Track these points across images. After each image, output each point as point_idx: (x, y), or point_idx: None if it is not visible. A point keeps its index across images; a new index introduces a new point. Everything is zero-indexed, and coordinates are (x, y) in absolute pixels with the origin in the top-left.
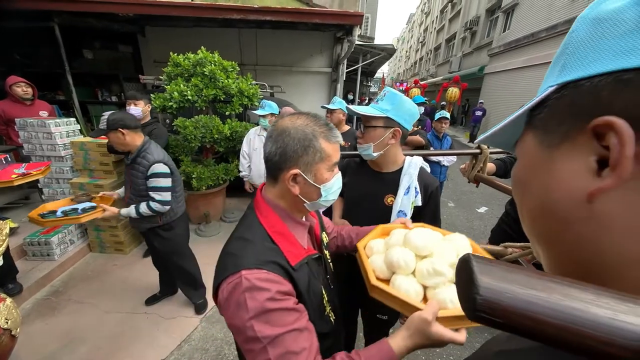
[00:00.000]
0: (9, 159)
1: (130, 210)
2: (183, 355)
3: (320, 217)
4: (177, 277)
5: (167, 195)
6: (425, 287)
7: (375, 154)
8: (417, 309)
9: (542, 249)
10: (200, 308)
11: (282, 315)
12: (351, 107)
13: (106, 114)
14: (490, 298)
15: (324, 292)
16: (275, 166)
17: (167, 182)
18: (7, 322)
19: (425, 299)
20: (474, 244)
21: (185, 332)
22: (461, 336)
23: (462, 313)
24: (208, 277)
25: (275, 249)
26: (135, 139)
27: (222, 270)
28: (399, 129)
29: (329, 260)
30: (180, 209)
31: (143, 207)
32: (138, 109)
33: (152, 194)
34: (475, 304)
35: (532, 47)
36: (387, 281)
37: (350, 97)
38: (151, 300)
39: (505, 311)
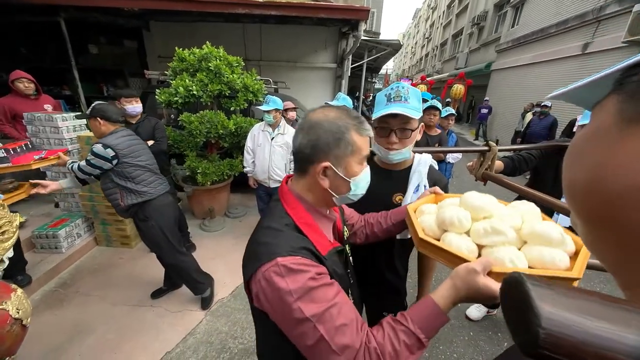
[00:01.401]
0: (30, 146)
1: (69, 161)
2: (188, 348)
3: (342, 211)
4: (171, 272)
5: (86, 168)
6: (480, 248)
7: (410, 155)
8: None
9: (582, 223)
10: (206, 302)
11: (325, 291)
12: (398, 110)
13: (95, 103)
14: (556, 332)
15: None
16: (305, 158)
17: (96, 161)
18: (18, 312)
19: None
20: (545, 216)
21: (191, 325)
22: None
23: (526, 271)
24: (213, 272)
25: (304, 239)
26: (109, 129)
27: (255, 260)
28: (423, 123)
29: (349, 254)
30: (145, 197)
31: (74, 164)
32: (139, 106)
33: (83, 160)
34: (537, 339)
35: (542, 43)
36: (437, 240)
37: (357, 93)
38: (157, 294)
39: (574, 349)
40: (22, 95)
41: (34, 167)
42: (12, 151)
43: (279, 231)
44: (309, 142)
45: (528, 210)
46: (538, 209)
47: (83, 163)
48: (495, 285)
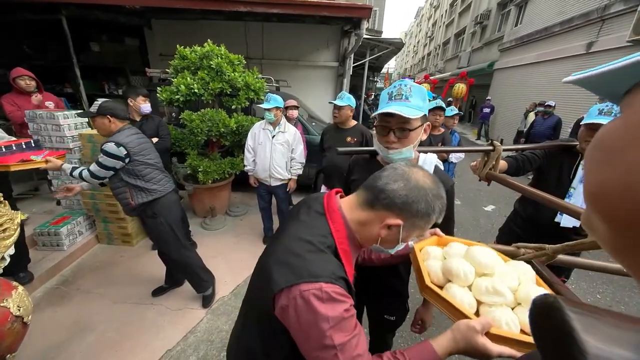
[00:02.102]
0: (32, 145)
1: (68, 167)
2: (189, 346)
3: None
4: (172, 268)
5: (100, 172)
6: (479, 304)
7: (414, 155)
8: (468, 319)
9: (610, 228)
10: (207, 300)
11: (351, 322)
12: (394, 110)
13: (100, 100)
14: None
15: None
16: (388, 204)
17: (109, 162)
18: (19, 310)
19: (477, 315)
20: (539, 279)
21: (191, 323)
22: (510, 350)
23: (517, 337)
24: (214, 270)
25: (341, 267)
26: (118, 127)
27: (292, 274)
28: (429, 123)
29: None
30: (155, 195)
31: (79, 169)
32: (148, 105)
33: (93, 164)
34: None
35: (545, 42)
36: (440, 288)
37: (359, 92)
38: (158, 292)
39: None
40: (23, 93)
41: (13, 169)
42: (3, 148)
43: (321, 252)
44: (406, 196)
45: (524, 271)
46: (533, 272)
47: (95, 167)
48: (491, 346)
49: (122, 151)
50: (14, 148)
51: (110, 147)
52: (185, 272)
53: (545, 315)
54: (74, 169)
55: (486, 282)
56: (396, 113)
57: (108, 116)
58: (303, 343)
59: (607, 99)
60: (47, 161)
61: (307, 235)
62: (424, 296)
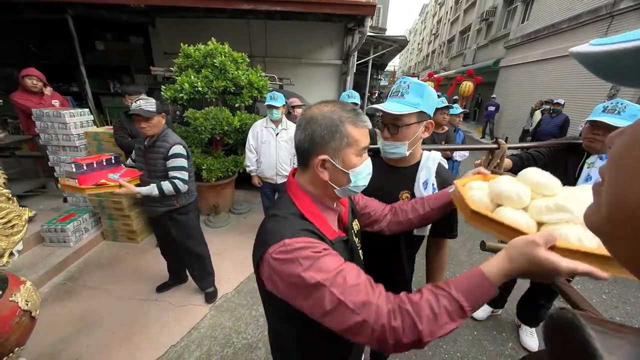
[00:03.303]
0: (113, 161)
1: (152, 189)
2: (192, 342)
3: (352, 204)
4: (192, 264)
5: (186, 175)
6: (539, 226)
7: (408, 152)
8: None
9: (627, 253)
10: (210, 297)
11: (332, 259)
12: (378, 106)
13: (144, 97)
14: None
15: None
16: (304, 153)
17: (185, 162)
18: (27, 304)
19: None
20: None
21: (195, 319)
22: (585, 266)
23: (594, 251)
24: (217, 268)
25: (310, 224)
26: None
27: (263, 243)
28: (431, 121)
29: (359, 248)
30: (195, 194)
31: (166, 185)
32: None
33: (174, 173)
34: None
35: (552, 39)
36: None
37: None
38: (162, 288)
39: None
40: (30, 92)
41: (87, 193)
42: (85, 166)
43: (284, 218)
44: (306, 136)
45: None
46: None
47: (181, 174)
48: (559, 260)
49: (186, 150)
50: (95, 166)
51: (180, 149)
52: (203, 265)
53: (564, 333)
54: (157, 189)
55: (546, 201)
56: (383, 110)
57: (162, 114)
58: (297, 302)
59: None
60: (120, 185)
61: (274, 211)
62: (471, 224)
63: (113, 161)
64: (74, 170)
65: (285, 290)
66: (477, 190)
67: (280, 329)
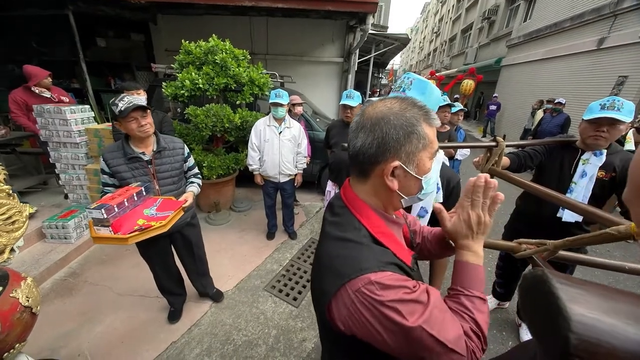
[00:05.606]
0: (143, 193)
1: (195, 189)
2: (193, 339)
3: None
4: (199, 269)
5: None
6: None
7: None
8: None
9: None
10: (217, 296)
11: (422, 295)
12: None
13: (127, 95)
14: (590, 337)
15: None
16: (368, 160)
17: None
18: (28, 300)
19: None
20: None
21: (195, 316)
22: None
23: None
24: (217, 265)
25: (387, 252)
26: None
27: (336, 276)
28: None
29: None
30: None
31: (196, 184)
32: (142, 98)
33: (195, 170)
34: (568, 345)
35: (555, 38)
36: None
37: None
38: (173, 318)
39: (611, 357)
40: (33, 93)
41: (130, 242)
42: (116, 208)
43: (359, 244)
44: (374, 140)
45: None
46: None
47: (198, 172)
48: (444, 218)
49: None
50: (127, 204)
51: (187, 147)
52: (205, 270)
53: (533, 287)
54: (198, 186)
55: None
56: None
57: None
58: (385, 344)
59: None
60: (182, 209)
61: (340, 233)
62: None
63: (144, 192)
64: (104, 216)
65: (369, 334)
66: None
67: None
